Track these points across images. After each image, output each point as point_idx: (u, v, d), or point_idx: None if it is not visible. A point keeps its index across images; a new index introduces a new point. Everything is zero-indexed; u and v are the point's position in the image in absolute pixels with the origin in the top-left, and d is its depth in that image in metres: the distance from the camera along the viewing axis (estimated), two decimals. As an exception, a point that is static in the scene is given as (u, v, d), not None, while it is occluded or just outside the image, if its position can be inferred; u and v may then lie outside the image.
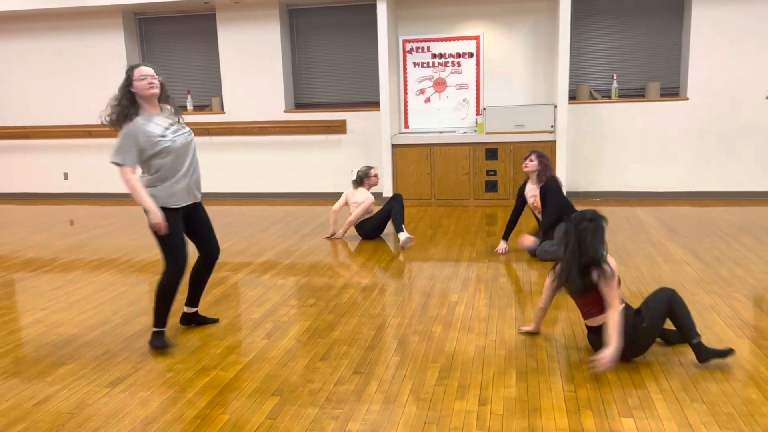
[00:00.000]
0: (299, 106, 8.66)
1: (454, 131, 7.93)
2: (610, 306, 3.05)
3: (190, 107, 8.66)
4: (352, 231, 6.19)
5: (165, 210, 3.41)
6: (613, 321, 3.01)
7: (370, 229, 6.01)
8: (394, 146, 7.75)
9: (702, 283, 4.37)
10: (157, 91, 3.43)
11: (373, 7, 7.74)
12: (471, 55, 7.89)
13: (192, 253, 3.69)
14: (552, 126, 7.39)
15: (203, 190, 3.75)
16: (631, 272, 4.65)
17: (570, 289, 3.21)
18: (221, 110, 8.57)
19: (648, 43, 7.69)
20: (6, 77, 9.07)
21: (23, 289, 4.83)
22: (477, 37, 7.84)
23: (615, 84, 7.63)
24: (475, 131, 7.79)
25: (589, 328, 3.27)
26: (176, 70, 8.69)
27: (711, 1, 7.22)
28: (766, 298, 4.08)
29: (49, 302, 4.45)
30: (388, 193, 7.72)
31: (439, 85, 8.03)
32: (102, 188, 8.95)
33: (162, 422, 2.74)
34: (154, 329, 3.58)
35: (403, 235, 5.66)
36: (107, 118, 3.47)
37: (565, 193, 5.33)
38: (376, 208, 6.20)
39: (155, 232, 3.44)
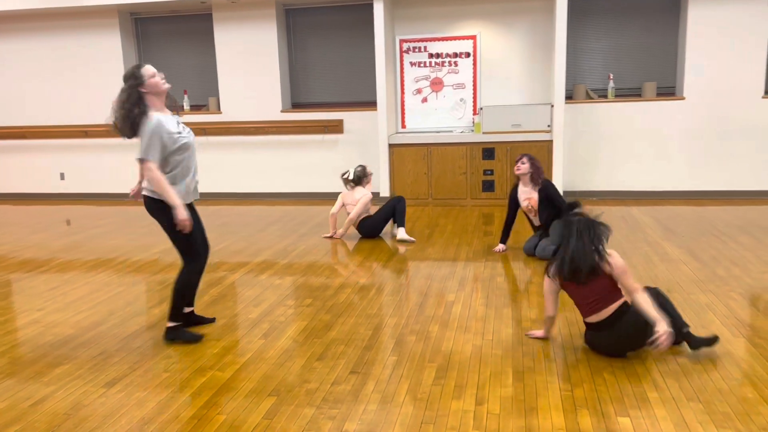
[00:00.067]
0: (296, 105, 8.65)
1: (451, 131, 7.93)
2: (633, 290, 3.14)
3: (186, 107, 8.65)
4: (352, 230, 6.20)
5: None
6: (644, 301, 3.10)
7: (370, 226, 6.02)
8: (391, 146, 7.75)
9: (698, 283, 4.38)
10: (169, 86, 3.52)
11: (370, 7, 7.74)
12: (468, 54, 7.90)
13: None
14: (549, 126, 7.40)
15: (200, 190, 3.75)
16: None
17: (576, 280, 3.17)
18: (218, 110, 8.56)
19: (644, 42, 7.70)
20: (2, 77, 9.05)
21: (20, 289, 4.82)
22: (474, 37, 7.85)
23: (611, 83, 7.65)
24: (472, 131, 7.79)
25: (589, 325, 3.25)
26: (173, 70, 8.67)
27: (707, 0, 7.24)
28: (762, 297, 4.09)
29: (46, 303, 4.44)
30: (385, 192, 7.73)
31: (436, 84, 8.04)
32: (99, 188, 8.94)
33: (158, 422, 2.74)
34: (171, 324, 3.62)
35: (403, 230, 5.85)
36: (115, 124, 3.47)
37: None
38: (374, 208, 6.20)
39: (173, 230, 3.47)
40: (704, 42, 7.31)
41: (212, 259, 4.66)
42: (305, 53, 8.53)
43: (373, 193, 6.15)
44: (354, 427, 2.64)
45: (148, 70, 3.43)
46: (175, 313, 3.63)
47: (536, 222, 5.28)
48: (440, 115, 8.09)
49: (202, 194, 3.75)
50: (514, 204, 5.31)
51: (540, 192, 5.13)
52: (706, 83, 7.38)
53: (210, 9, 8.37)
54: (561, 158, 7.37)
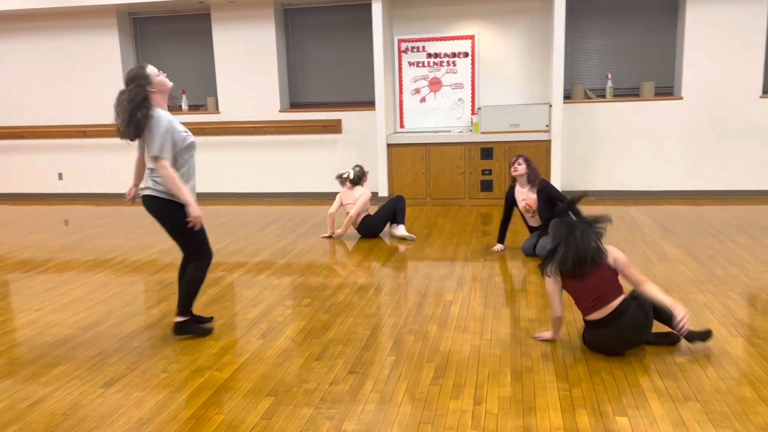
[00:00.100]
0: (294, 105, 8.65)
1: (449, 131, 7.94)
2: (641, 282, 3.24)
3: (185, 107, 8.64)
4: (351, 230, 6.20)
5: None
6: (655, 289, 3.22)
7: (371, 226, 6.03)
8: (389, 146, 7.75)
9: (696, 282, 4.39)
10: (172, 84, 3.60)
11: (368, 7, 7.74)
12: (466, 54, 7.90)
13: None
14: (547, 125, 7.41)
15: (198, 190, 3.75)
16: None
17: (579, 272, 3.17)
18: (216, 110, 8.55)
19: (642, 42, 7.71)
20: (0, 77, 9.04)
21: (18, 289, 4.81)
22: (472, 37, 7.85)
23: (609, 83, 7.65)
24: (471, 131, 7.79)
25: (590, 323, 3.22)
26: (171, 70, 8.63)
27: (705, 0, 7.25)
28: (760, 296, 4.10)
29: (44, 303, 4.44)
30: (383, 192, 7.73)
31: (435, 84, 8.04)
32: (97, 188, 8.93)
33: (157, 423, 2.74)
34: (183, 318, 3.68)
35: (402, 227, 5.97)
36: (118, 127, 3.47)
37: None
38: (372, 208, 6.21)
39: (183, 229, 3.52)
40: (702, 42, 7.31)
41: (210, 259, 4.65)
42: (304, 53, 8.53)
43: (371, 192, 6.16)
44: (352, 427, 2.64)
45: (153, 69, 3.49)
46: (186, 308, 3.68)
47: (532, 222, 5.30)
48: (439, 114, 8.09)
49: (201, 194, 3.76)
50: (510, 205, 5.32)
51: (540, 193, 5.15)
52: (704, 83, 7.39)
53: (208, 9, 8.37)
54: (559, 158, 7.37)
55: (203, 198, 3.72)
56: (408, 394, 2.92)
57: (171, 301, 4.34)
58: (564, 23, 7.15)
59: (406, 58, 8.03)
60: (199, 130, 8.28)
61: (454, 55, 7.93)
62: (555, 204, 5.04)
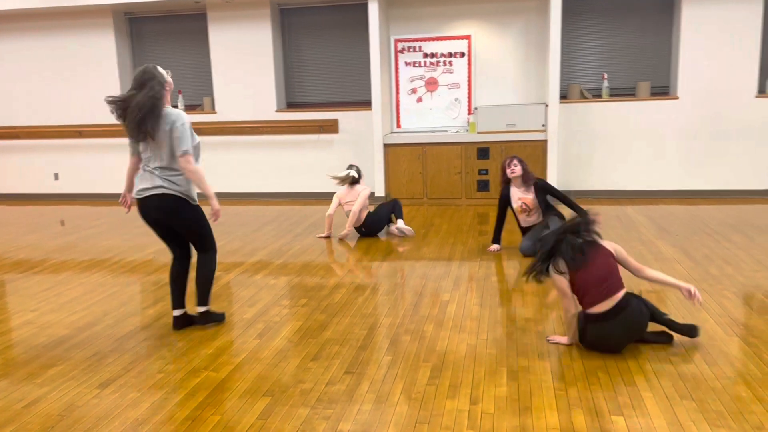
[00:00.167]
0: (291, 105, 8.65)
1: (446, 131, 7.94)
2: (641, 268, 3.36)
3: (181, 107, 8.63)
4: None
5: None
6: (658, 272, 3.40)
7: (373, 221, 6.07)
8: (386, 146, 7.75)
9: (692, 281, 4.39)
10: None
11: (364, 7, 7.74)
12: (462, 54, 7.90)
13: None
14: (543, 125, 7.42)
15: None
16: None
17: (581, 259, 3.20)
18: (212, 110, 8.55)
19: (638, 42, 7.72)
20: (-5, 77, 9.03)
21: (13, 290, 4.80)
22: (468, 37, 7.85)
23: (606, 83, 7.66)
24: (467, 130, 7.80)
25: (596, 316, 3.19)
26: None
27: (701, 0, 7.26)
28: (755, 295, 4.11)
29: (40, 303, 4.43)
30: (380, 192, 7.73)
31: (431, 84, 8.04)
32: (93, 189, 8.91)
33: (152, 423, 2.73)
34: (205, 309, 3.83)
35: (401, 221, 6.07)
36: (135, 126, 3.48)
37: None
38: (369, 207, 6.21)
39: (198, 224, 3.68)
40: (698, 41, 7.33)
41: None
42: (300, 53, 8.52)
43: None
44: (348, 427, 2.64)
45: (162, 69, 3.58)
46: (205, 298, 3.83)
47: (526, 223, 5.33)
48: (435, 114, 8.09)
49: (198, 194, 3.75)
50: (505, 205, 5.34)
51: (539, 192, 5.22)
52: (700, 83, 7.40)
53: (204, 9, 8.36)
54: (555, 158, 7.38)
55: (199, 198, 3.75)
56: (404, 394, 2.92)
57: (167, 302, 4.33)
58: (560, 23, 7.16)
59: (403, 57, 8.04)
60: (195, 130, 8.20)
61: (450, 55, 7.93)
62: (559, 199, 5.22)
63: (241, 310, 4.15)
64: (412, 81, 8.08)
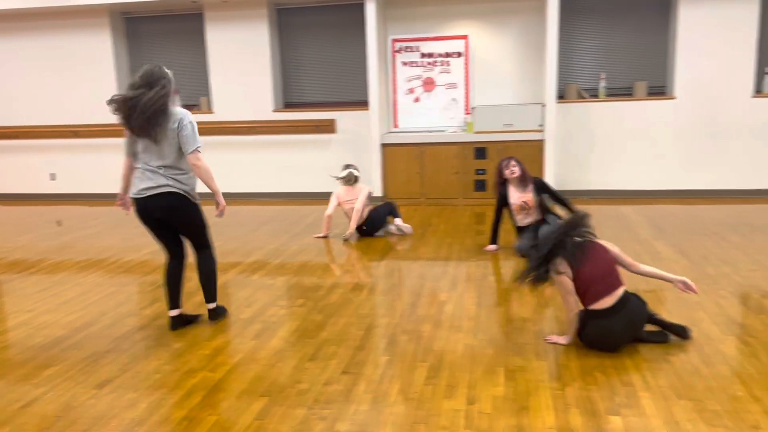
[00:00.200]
0: (288, 105, 8.64)
1: (443, 130, 7.94)
2: (635, 264, 3.40)
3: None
4: (346, 229, 6.21)
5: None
6: (651, 267, 3.48)
7: (375, 219, 6.08)
8: (383, 146, 7.75)
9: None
10: None
11: (361, 7, 7.73)
12: (459, 54, 7.90)
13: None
14: (540, 125, 7.42)
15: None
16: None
17: (580, 262, 3.22)
18: (209, 110, 8.53)
19: (635, 42, 7.73)
20: (-8, 77, 9.00)
21: (9, 290, 4.79)
22: (465, 37, 7.85)
23: (603, 83, 7.67)
24: (464, 130, 7.80)
25: (598, 312, 3.20)
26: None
27: (697, 0, 7.27)
28: (751, 295, 4.12)
29: (36, 304, 4.42)
30: (377, 192, 7.73)
31: (428, 84, 8.04)
32: (90, 188, 8.89)
33: (149, 424, 2.73)
34: (216, 305, 3.93)
35: (399, 220, 6.16)
36: (142, 124, 3.48)
37: None
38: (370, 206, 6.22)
39: (200, 222, 3.75)
40: (695, 42, 7.34)
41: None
42: (297, 53, 8.51)
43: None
44: (345, 428, 2.64)
45: (167, 70, 3.62)
46: (214, 294, 3.92)
47: (525, 222, 5.33)
48: (432, 114, 8.09)
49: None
50: (503, 205, 5.35)
51: (538, 190, 5.28)
52: (697, 83, 7.42)
53: (201, 8, 8.34)
54: (552, 158, 7.39)
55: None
56: (401, 394, 2.92)
57: (164, 302, 4.32)
58: (557, 23, 7.16)
59: (400, 57, 8.03)
60: (192, 130, 8.24)
61: (447, 54, 7.93)
62: (554, 197, 5.30)
63: (238, 311, 4.14)
64: (409, 81, 8.07)
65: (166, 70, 3.57)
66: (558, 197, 5.29)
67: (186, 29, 8.61)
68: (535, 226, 5.23)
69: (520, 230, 5.36)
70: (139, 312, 4.20)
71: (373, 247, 5.76)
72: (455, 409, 2.76)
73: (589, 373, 3.06)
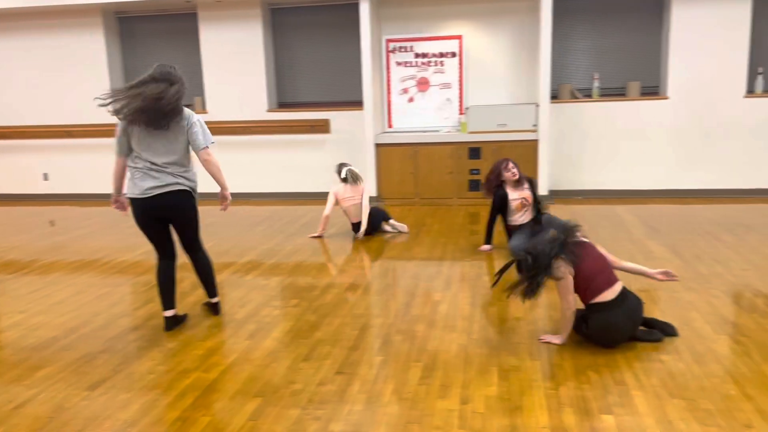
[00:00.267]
0: (282, 105, 8.63)
1: (437, 130, 7.95)
2: (619, 261, 3.51)
3: (172, 107, 8.58)
4: (344, 228, 6.22)
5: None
6: (631, 263, 3.59)
7: (376, 217, 6.10)
8: (377, 146, 7.75)
9: (681, 281, 4.41)
10: None
11: (356, 7, 7.73)
12: (454, 54, 7.91)
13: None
14: (534, 125, 7.44)
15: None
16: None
17: (580, 259, 3.27)
18: (203, 110, 8.51)
19: (628, 42, 7.76)
20: (-16, 77, 8.96)
21: (2, 291, 4.76)
22: (459, 37, 7.86)
23: (596, 83, 7.69)
24: (459, 130, 7.81)
25: (601, 306, 3.24)
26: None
27: (690, 0, 7.30)
28: (744, 294, 4.14)
29: (28, 305, 4.40)
30: (373, 192, 7.73)
31: (423, 84, 8.05)
32: (83, 189, 8.85)
33: (142, 424, 2.72)
34: (218, 299, 4.04)
35: (393, 221, 6.22)
36: (157, 118, 3.53)
37: None
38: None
39: (197, 218, 3.82)
40: (687, 42, 7.37)
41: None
42: (291, 53, 8.50)
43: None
44: (339, 428, 2.64)
45: None
46: (216, 288, 4.03)
47: (522, 220, 5.34)
48: (427, 114, 8.09)
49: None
50: (501, 206, 5.36)
51: (531, 187, 5.40)
52: (690, 83, 7.45)
53: (195, 8, 8.32)
54: (546, 158, 7.41)
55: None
56: (395, 394, 2.92)
57: (157, 303, 4.30)
58: (551, 23, 7.18)
59: (394, 57, 8.04)
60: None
61: (441, 55, 7.94)
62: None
63: (232, 311, 4.14)
64: (403, 81, 8.08)
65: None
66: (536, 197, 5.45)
67: (180, 29, 8.59)
68: (529, 225, 5.27)
69: (513, 230, 5.37)
70: (133, 312, 4.19)
71: (368, 247, 5.76)
72: (449, 409, 2.76)
73: (582, 372, 3.07)
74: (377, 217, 6.14)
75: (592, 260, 3.32)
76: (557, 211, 5.27)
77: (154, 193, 3.57)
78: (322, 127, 8.21)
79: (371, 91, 7.65)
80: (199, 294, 4.49)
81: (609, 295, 3.26)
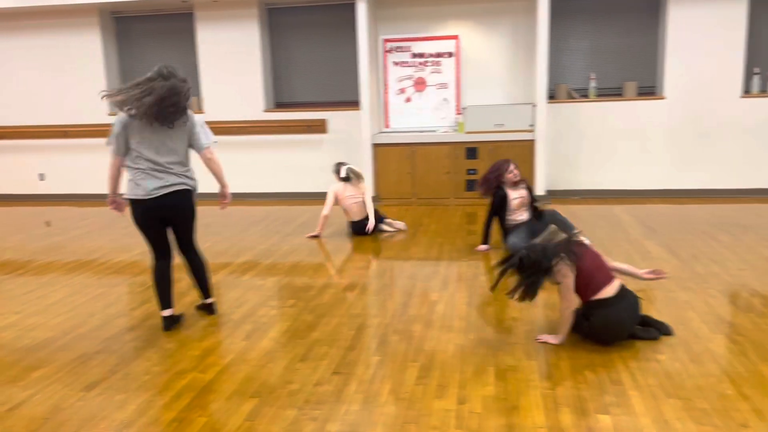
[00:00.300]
0: (279, 105, 8.62)
1: (434, 131, 7.94)
2: (609, 260, 3.54)
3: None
4: (341, 228, 6.23)
5: None
6: (620, 263, 3.61)
7: (376, 216, 6.13)
8: (374, 146, 7.74)
9: (678, 280, 4.42)
10: None
11: (352, 7, 7.73)
12: (450, 54, 7.91)
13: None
14: (531, 125, 7.44)
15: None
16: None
17: (580, 256, 3.31)
18: (200, 110, 8.50)
19: (625, 42, 7.76)
20: (-21, 77, 8.92)
21: (-3, 292, 4.75)
22: (456, 37, 7.86)
23: (593, 83, 7.70)
24: (456, 130, 7.81)
25: (602, 302, 3.26)
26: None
27: (687, 0, 7.32)
28: (740, 294, 4.14)
29: (24, 305, 4.38)
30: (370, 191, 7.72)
31: (420, 84, 8.04)
32: (79, 189, 8.83)
33: (138, 425, 2.71)
34: (213, 299, 4.06)
35: (389, 220, 6.27)
36: (170, 113, 3.57)
37: None
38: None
39: (195, 217, 3.84)
40: (684, 42, 7.38)
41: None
42: (288, 52, 8.50)
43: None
44: (336, 428, 2.64)
45: None
46: (211, 288, 4.06)
47: (518, 219, 5.36)
48: (424, 114, 8.09)
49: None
50: (501, 206, 5.38)
51: (528, 187, 5.47)
52: (686, 83, 7.46)
53: (191, 8, 8.31)
54: (543, 158, 7.41)
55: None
56: (392, 394, 2.92)
57: (153, 303, 4.29)
58: (548, 24, 7.18)
59: (391, 57, 8.03)
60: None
61: (438, 55, 7.94)
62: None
63: (229, 311, 4.13)
64: (400, 81, 8.07)
65: None
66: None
67: (176, 29, 8.57)
68: (528, 223, 5.31)
69: (511, 229, 5.39)
70: (129, 313, 4.18)
71: (365, 247, 5.75)
72: (446, 409, 2.76)
73: (579, 372, 3.07)
74: (376, 218, 6.15)
75: (591, 258, 3.35)
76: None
77: (160, 194, 3.56)
78: (319, 127, 8.21)
79: (368, 91, 7.65)
80: (195, 294, 4.48)
81: (609, 291, 3.29)
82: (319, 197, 6.25)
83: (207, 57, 8.35)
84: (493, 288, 3.60)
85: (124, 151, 3.58)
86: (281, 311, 4.10)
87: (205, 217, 7.25)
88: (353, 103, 8.07)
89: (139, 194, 3.57)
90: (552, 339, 3.41)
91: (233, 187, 8.92)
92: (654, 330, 3.43)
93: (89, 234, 6.63)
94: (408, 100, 8.10)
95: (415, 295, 4.33)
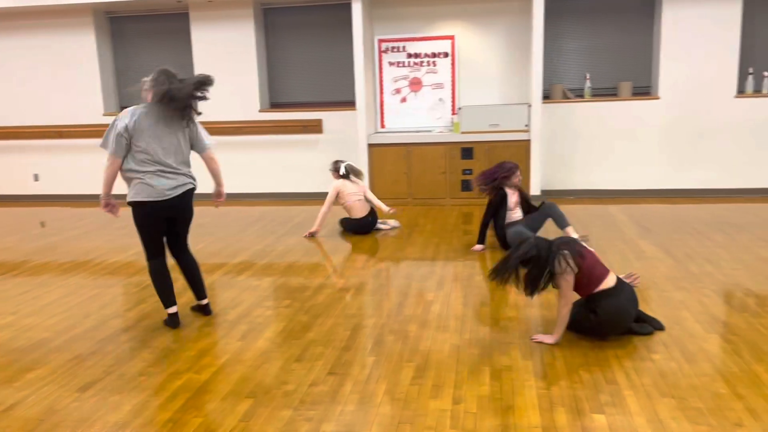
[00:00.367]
0: (275, 105, 8.61)
1: (430, 131, 7.95)
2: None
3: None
4: (339, 227, 6.25)
5: None
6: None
7: (372, 216, 6.15)
8: (370, 146, 7.74)
9: (673, 280, 4.44)
10: None
11: (348, 7, 7.72)
12: (446, 54, 7.92)
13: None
14: (526, 125, 7.45)
15: (180, 190, 3.74)
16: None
17: (581, 253, 3.36)
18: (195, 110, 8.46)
19: (620, 43, 7.79)
20: (-27, 77, 8.89)
21: (-8, 293, 4.73)
22: (452, 37, 7.87)
23: (588, 83, 7.72)
24: (451, 131, 7.82)
25: (603, 293, 3.33)
26: (149, 70, 8.51)
27: (681, 1, 7.34)
28: (734, 294, 4.16)
29: (19, 306, 4.37)
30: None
31: (415, 84, 8.05)
32: (74, 190, 8.80)
33: (133, 426, 2.71)
34: (207, 300, 4.04)
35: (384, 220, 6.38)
36: (187, 105, 3.68)
37: None
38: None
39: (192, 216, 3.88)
40: (678, 42, 7.41)
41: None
42: (283, 53, 8.49)
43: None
44: (331, 429, 2.64)
45: None
46: (205, 289, 4.04)
47: (514, 218, 5.41)
48: (419, 114, 8.10)
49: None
50: (500, 206, 5.40)
51: (519, 189, 5.56)
52: (681, 83, 7.48)
53: (187, 8, 8.29)
54: (538, 158, 7.43)
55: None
56: (388, 394, 2.92)
57: (149, 304, 4.30)
58: (543, 24, 7.20)
59: (387, 58, 8.03)
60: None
61: (434, 55, 7.94)
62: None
63: (224, 312, 4.12)
64: (396, 81, 8.08)
65: None
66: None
67: (171, 29, 8.55)
68: (523, 220, 5.42)
69: (507, 226, 5.42)
70: (124, 314, 4.17)
71: (360, 247, 5.75)
72: (441, 409, 2.76)
73: (574, 371, 3.08)
74: (374, 218, 6.16)
75: (589, 253, 3.43)
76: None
77: (175, 194, 3.60)
78: (315, 127, 8.21)
79: (364, 91, 7.65)
80: (191, 295, 4.47)
81: (610, 281, 3.37)
82: (315, 197, 6.26)
83: (202, 57, 8.33)
84: (493, 279, 3.40)
85: (125, 152, 3.56)
86: (277, 312, 4.10)
87: (200, 217, 7.25)
88: (349, 103, 8.07)
89: (153, 195, 3.56)
90: (547, 339, 3.41)
91: (229, 187, 8.90)
92: (647, 325, 3.51)
93: (84, 234, 6.61)
94: (403, 100, 8.10)
95: (410, 295, 4.33)
